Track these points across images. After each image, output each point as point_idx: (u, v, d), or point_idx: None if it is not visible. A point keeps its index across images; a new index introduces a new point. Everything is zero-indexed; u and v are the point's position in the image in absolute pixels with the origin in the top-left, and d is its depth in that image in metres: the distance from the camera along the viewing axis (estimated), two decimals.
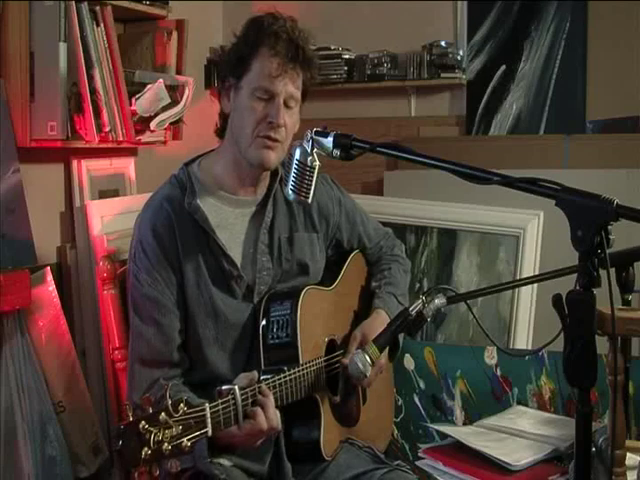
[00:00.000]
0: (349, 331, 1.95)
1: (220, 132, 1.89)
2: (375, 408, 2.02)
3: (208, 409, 1.43)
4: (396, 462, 1.89)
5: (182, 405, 1.37)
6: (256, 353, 1.79)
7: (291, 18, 1.82)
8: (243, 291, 1.82)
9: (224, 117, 1.87)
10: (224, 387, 1.52)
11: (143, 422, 1.31)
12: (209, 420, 1.43)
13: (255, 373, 1.61)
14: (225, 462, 1.72)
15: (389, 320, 1.90)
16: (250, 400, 1.55)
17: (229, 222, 1.84)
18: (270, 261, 1.86)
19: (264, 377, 1.67)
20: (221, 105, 1.86)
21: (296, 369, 1.72)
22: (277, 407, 1.61)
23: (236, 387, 1.52)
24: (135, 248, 1.80)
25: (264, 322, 1.80)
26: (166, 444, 1.32)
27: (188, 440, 1.36)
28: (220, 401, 1.48)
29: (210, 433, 1.43)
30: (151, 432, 1.31)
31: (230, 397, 1.50)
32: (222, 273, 1.80)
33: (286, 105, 1.78)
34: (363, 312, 2.00)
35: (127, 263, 1.85)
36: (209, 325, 1.79)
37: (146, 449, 1.30)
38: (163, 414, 1.33)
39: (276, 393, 1.63)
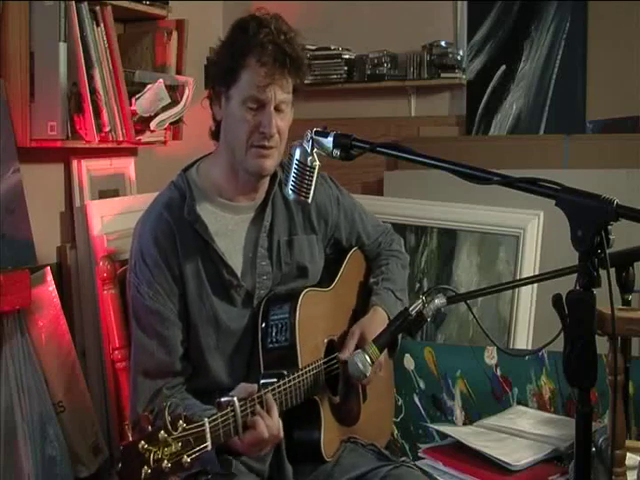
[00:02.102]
0: (348, 330, 1.94)
1: (215, 135, 1.87)
2: (375, 407, 2.02)
3: (207, 424, 1.42)
4: (402, 458, 1.89)
5: (181, 422, 1.36)
6: (256, 358, 1.79)
7: (276, 17, 1.78)
8: (242, 297, 1.81)
9: (217, 121, 1.86)
10: (223, 399, 1.51)
11: (142, 442, 1.31)
12: (209, 435, 1.42)
13: (255, 386, 1.60)
14: (227, 455, 1.72)
15: (386, 316, 1.92)
16: (249, 410, 1.54)
17: (229, 229, 1.83)
18: (270, 265, 1.86)
19: (264, 381, 1.66)
20: (212, 111, 1.84)
21: (295, 374, 1.71)
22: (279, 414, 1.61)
23: (235, 399, 1.51)
24: (135, 258, 1.78)
25: (263, 325, 1.79)
26: (166, 462, 1.32)
27: (188, 456, 1.36)
28: (219, 414, 1.47)
29: (210, 448, 1.42)
30: (150, 451, 1.31)
31: (229, 409, 1.50)
32: (222, 282, 1.79)
33: (277, 109, 1.76)
34: (362, 311, 1.99)
35: (127, 273, 1.83)
36: (210, 333, 1.78)
37: (146, 468, 1.30)
38: (162, 432, 1.33)
39: (276, 400, 1.63)
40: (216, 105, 1.82)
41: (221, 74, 1.78)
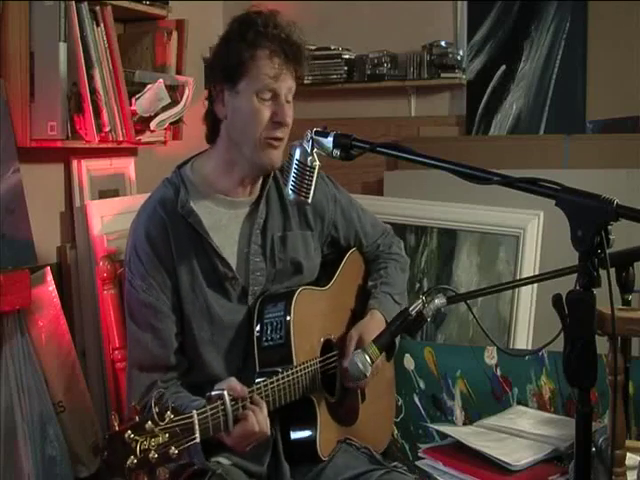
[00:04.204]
0: (346, 330, 1.94)
1: (211, 137, 1.87)
2: (375, 407, 2.02)
3: (196, 416, 1.43)
4: (393, 463, 1.89)
5: (169, 413, 1.36)
6: (251, 355, 1.79)
7: (275, 12, 1.80)
8: (238, 293, 1.82)
9: (213, 121, 1.84)
10: (213, 392, 1.51)
11: (129, 431, 1.31)
12: (197, 427, 1.42)
13: (246, 390, 1.60)
14: (224, 461, 1.72)
15: (384, 320, 1.91)
16: (240, 405, 1.55)
17: (223, 223, 1.83)
18: (263, 261, 1.86)
19: (259, 379, 1.67)
20: (215, 110, 1.82)
21: (289, 372, 1.71)
22: (271, 410, 1.62)
23: (225, 392, 1.51)
24: (130, 254, 1.80)
25: (258, 325, 1.80)
26: (152, 452, 1.32)
27: (176, 447, 1.36)
28: (209, 407, 1.48)
29: (198, 440, 1.43)
30: (137, 441, 1.31)
31: (219, 403, 1.50)
32: (216, 275, 1.80)
33: (286, 100, 1.78)
34: (360, 311, 1.99)
35: (123, 268, 1.85)
36: (204, 327, 1.79)
37: (132, 458, 1.30)
38: (149, 423, 1.33)
39: (269, 396, 1.64)
40: (218, 104, 1.81)
41: (229, 69, 1.77)
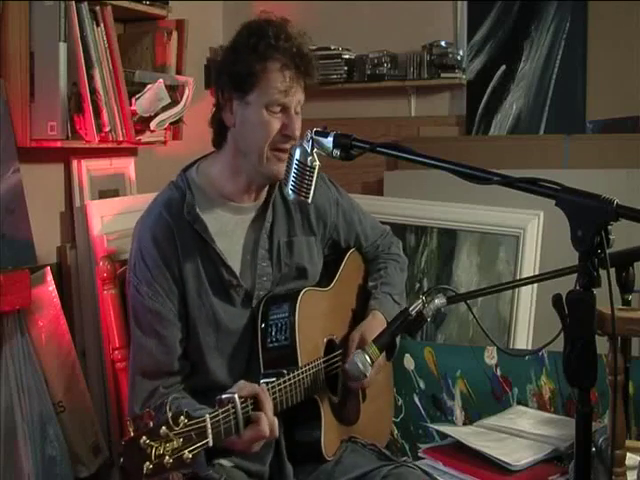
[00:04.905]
0: (348, 330, 1.95)
1: (217, 142, 1.86)
2: (374, 407, 2.02)
3: (209, 420, 1.42)
4: (403, 458, 1.89)
5: (183, 417, 1.37)
6: (255, 357, 1.78)
7: (285, 20, 1.79)
8: (241, 297, 1.81)
9: (220, 127, 1.83)
10: (224, 396, 1.51)
11: (144, 437, 1.31)
12: (210, 431, 1.42)
13: (256, 386, 1.59)
14: (225, 463, 1.72)
15: (385, 320, 1.91)
16: (250, 407, 1.54)
17: (229, 229, 1.83)
18: (270, 266, 1.86)
19: (264, 380, 1.67)
20: (223, 117, 1.81)
21: (296, 373, 1.71)
22: (277, 412, 1.61)
23: (236, 396, 1.51)
24: (135, 258, 1.78)
25: (263, 325, 1.79)
26: (167, 457, 1.32)
27: (189, 452, 1.36)
28: (220, 411, 1.47)
29: (211, 443, 1.42)
30: (152, 446, 1.31)
31: (230, 406, 1.50)
32: (221, 282, 1.79)
33: (295, 111, 1.78)
34: (361, 311, 2.00)
35: (127, 273, 1.83)
36: (210, 333, 1.78)
37: (148, 464, 1.30)
38: (164, 428, 1.33)
39: (276, 398, 1.63)
40: (227, 112, 1.80)
41: (238, 79, 1.75)
